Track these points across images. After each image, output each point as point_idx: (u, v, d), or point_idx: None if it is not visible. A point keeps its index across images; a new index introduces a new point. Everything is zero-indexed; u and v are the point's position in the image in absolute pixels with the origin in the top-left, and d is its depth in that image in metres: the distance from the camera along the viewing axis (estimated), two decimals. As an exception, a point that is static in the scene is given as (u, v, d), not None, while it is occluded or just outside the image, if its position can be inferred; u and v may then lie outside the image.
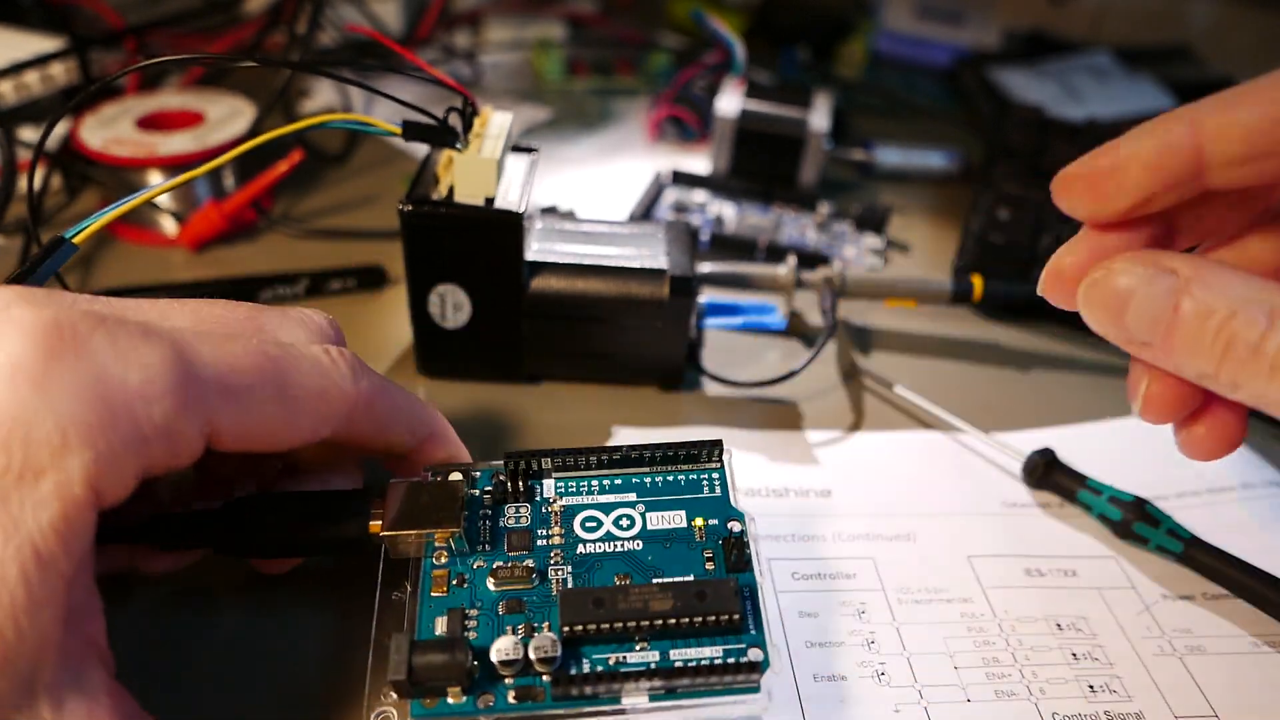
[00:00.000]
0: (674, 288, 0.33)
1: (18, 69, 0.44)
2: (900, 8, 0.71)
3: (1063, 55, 0.69)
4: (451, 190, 0.31)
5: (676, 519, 0.25)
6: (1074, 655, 0.27)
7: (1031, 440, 0.34)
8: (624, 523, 0.25)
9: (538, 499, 0.25)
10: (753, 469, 0.33)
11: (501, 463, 0.25)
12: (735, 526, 0.25)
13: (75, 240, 0.24)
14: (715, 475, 0.26)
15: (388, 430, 0.25)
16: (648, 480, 0.26)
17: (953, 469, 0.33)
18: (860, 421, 0.35)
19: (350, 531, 0.24)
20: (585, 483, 0.26)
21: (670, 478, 0.26)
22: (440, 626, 0.23)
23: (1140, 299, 0.21)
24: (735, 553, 0.24)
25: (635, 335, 0.34)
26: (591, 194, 0.49)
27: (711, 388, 0.37)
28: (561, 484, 0.26)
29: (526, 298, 0.33)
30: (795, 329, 0.40)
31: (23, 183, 0.41)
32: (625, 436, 0.33)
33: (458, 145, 0.30)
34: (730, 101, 0.48)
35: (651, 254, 0.34)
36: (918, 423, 0.35)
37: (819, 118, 0.47)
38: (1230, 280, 0.20)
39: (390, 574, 0.25)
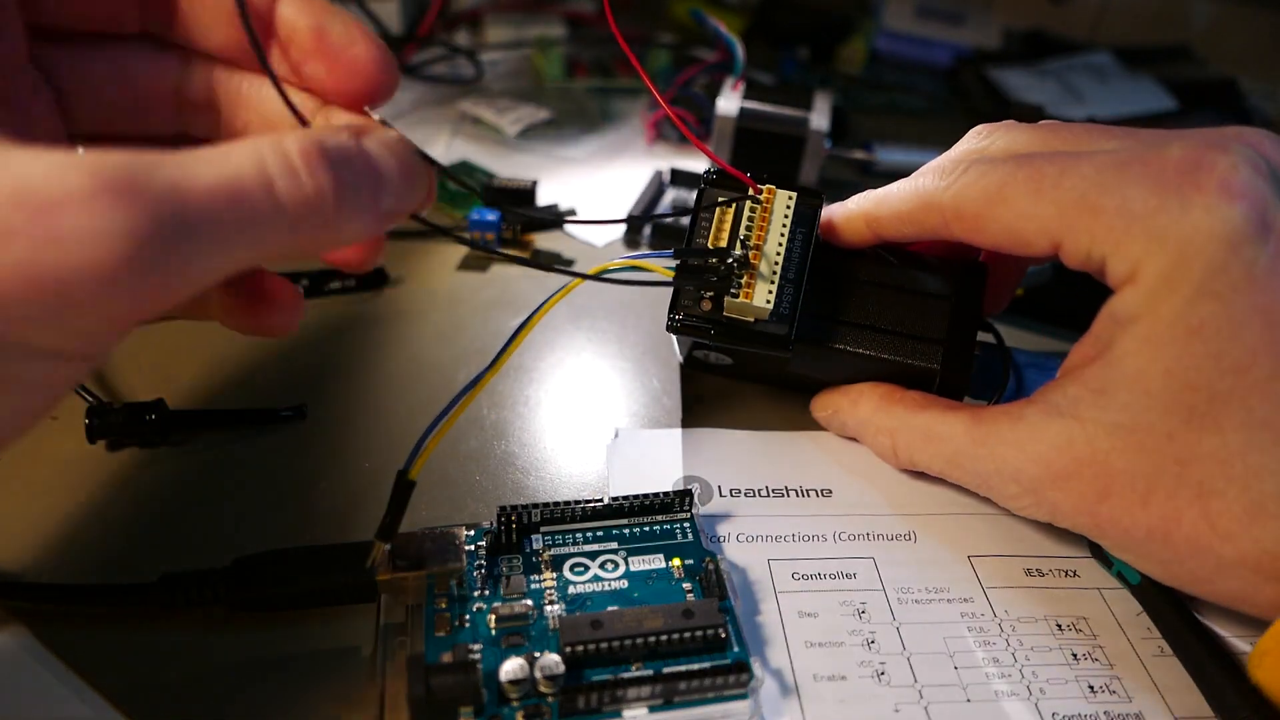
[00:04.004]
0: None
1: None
2: (900, 8, 0.71)
3: (1063, 55, 0.69)
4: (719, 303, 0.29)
5: (656, 561, 0.27)
6: (1074, 655, 0.27)
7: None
8: (609, 566, 0.27)
9: (527, 551, 0.27)
10: (753, 469, 0.33)
11: (495, 517, 0.27)
12: (709, 564, 0.26)
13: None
14: (687, 524, 0.29)
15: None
16: (626, 531, 0.28)
17: (953, 469, 0.33)
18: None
19: (357, 578, 0.25)
20: (569, 537, 0.28)
21: (646, 529, 0.28)
22: (447, 659, 0.23)
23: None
24: (713, 581, 0.26)
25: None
26: (591, 194, 0.49)
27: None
28: (549, 538, 0.28)
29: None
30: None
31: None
32: (624, 434, 0.33)
33: (732, 293, 0.28)
34: (730, 101, 0.48)
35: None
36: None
37: (819, 117, 0.47)
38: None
39: (391, 618, 0.25)
